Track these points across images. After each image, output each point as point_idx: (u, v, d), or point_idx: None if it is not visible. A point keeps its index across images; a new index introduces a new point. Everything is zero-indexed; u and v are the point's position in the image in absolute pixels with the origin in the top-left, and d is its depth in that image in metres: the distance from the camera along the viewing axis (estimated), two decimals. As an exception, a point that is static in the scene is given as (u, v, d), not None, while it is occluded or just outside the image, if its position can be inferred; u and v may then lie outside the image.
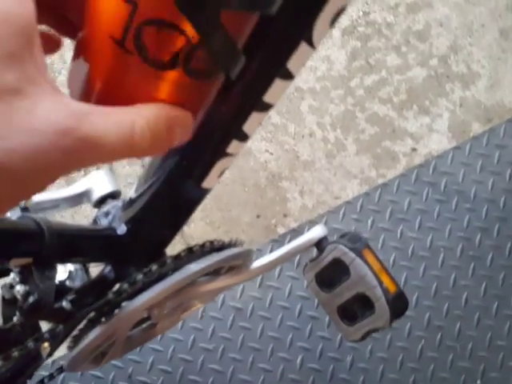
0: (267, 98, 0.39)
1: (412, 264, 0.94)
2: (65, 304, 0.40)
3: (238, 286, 0.87)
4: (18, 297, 0.38)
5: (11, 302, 0.46)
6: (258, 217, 0.98)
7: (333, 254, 0.66)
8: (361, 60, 1.11)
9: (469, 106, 1.09)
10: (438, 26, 1.14)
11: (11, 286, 0.43)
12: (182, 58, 0.27)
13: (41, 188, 0.22)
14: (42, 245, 0.44)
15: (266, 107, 0.40)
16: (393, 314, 0.59)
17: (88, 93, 0.30)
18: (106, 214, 0.59)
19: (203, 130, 0.39)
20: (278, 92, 0.39)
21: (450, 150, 1.04)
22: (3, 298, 0.46)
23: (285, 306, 0.86)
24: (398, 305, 0.61)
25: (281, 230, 0.96)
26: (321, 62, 1.10)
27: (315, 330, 0.85)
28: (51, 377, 0.57)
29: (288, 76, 0.38)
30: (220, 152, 0.45)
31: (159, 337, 0.84)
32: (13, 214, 0.50)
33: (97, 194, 0.63)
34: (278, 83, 0.38)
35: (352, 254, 0.61)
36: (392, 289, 0.60)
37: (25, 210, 0.53)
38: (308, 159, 1.02)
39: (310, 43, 0.35)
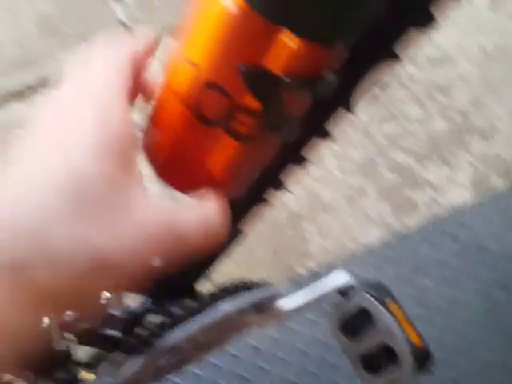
0: (304, 152, 0.42)
1: (428, 315, 0.94)
2: (113, 332, 0.40)
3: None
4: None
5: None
6: (275, 254, 0.98)
7: (357, 301, 0.67)
8: (381, 108, 1.14)
9: (489, 160, 1.11)
10: (459, 80, 1.17)
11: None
12: (229, 118, 0.29)
13: (137, 282, 0.24)
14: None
15: (302, 162, 0.42)
16: (417, 368, 0.60)
17: (156, 150, 0.33)
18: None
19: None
20: (315, 149, 0.41)
21: (470, 202, 1.05)
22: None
23: (305, 350, 0.86)
24: (423, 358, 0.62)
25: (299, 270, 0.97)
26: (345, 108, 1.13)
27: (335, 377, 0.84)
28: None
29: (327, 136, 0.40)
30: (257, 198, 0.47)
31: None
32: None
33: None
34: (317, 142, 0.41)
35: (377, 303, 0.62)
36: (417, 342, 0.60)
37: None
38: (329, 202, 1.04)
39: (348, 109, 0.37)
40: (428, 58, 1.18)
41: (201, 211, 0.29)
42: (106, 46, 0.30)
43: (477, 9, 1.22)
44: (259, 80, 0.28)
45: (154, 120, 0.33)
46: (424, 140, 1.12)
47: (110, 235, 0.22)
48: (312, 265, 0.97)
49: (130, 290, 0.25)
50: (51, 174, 0.21)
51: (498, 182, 1.08)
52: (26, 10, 1.12)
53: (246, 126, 0.30)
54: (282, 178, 0.44)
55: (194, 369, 0.84)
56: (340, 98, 0.36)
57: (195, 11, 0.29)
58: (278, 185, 0.45)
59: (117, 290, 0.24)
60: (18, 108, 1.06)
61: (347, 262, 0.97)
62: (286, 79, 0.27)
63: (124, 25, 1.12)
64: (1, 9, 1.11)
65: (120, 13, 1.13)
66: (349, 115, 0.39)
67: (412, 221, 1.03)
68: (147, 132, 0.33)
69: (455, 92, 1.16)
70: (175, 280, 0.56)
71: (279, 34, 0.26)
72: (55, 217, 0.20)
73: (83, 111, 0.24)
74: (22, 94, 1.07)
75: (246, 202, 0.47)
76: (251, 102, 0.28)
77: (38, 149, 0.22)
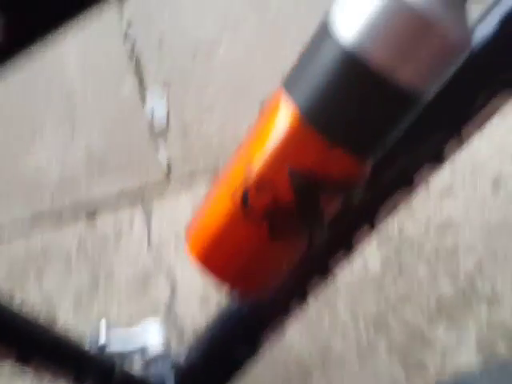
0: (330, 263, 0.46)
1: None
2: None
3: None
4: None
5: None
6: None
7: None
8: (393, 266, 1.20)
9: (495, 325, 1.12)
10: (465, 246, 1.24)
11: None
12: (269, 215, 0.34)
13: None
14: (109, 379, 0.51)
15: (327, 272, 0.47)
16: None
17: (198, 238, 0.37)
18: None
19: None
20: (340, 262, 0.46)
21: (478, 367, 1.05)
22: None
23: None
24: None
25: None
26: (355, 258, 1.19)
27: None
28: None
29: (351, 248, 0.46)
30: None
31: None
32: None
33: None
34: (342, 255, 0.45)
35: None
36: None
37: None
38: (340, 354, 1.04)
39: (372, 226, 0.43)
40: (434, 223, 1.27)
41: None
42: None
43: (480, 189, 1.35)
44: (304, 182, 0.32)
45: (205, 211, 0.38)
46: (432, 301, 1.15)
47: None
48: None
49: None
50: None
51: (503, 347, 1.08)
52: (78, 142, 1.26)
53: (284, 225, 0.34)
54: (307, 287, 0.48)
55: None
56: (366, 213, 0.42)
57: (258, 126, 0.34)
58: (303, 294, 0.48)
59: None
60: (47, 233, 1.13)
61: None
62: (328, 183, 0.32)
63: (165, 163, 1.25)
64: (54, 139, 1.25)
65: (163, 153, 1.26)
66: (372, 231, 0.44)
67: (421, 381, 1.02)
68: (194, 223, 0.39)
69: (461, 256, 1.23)
70: None
71: (328, 146, 0.31)
72: None
73: None
74: (58, 218, 1.15)
75: (270, 310, 0.50)
76: (293, 200, 0.33)
77: None
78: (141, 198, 1.19)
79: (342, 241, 0.44)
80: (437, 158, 0.40)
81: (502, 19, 0.34)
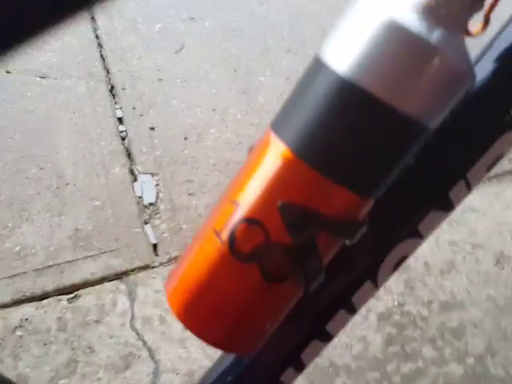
0: (329, 327, 0.41)
1: None
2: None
3: None
4: None
5: None
6: None
7: None
8: (397, 346, 1.11)
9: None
10: (472, 326, 1.17)
11: None
12: (260, 254, 0.30)
13: None
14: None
15: (327, 338, 0.42)
16: None
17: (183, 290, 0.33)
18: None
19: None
20: (341, 324, 0.41)
21: None
22: None
23: None
24: None
25: None
26: (356, 341, 1.11)
27: None
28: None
29: (353, 311, 0.41)
30: (274, 378, 0.43)
31: None
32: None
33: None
34: (342, 314, 0.41)
35: None
36: None
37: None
38: None
39: (375, 282, 0.39)
40: (439, 302, 1.21)
41: None
42: None
43: (483, 264, 1.30)
44: (297, 216, 0.29)
45: (187, 258, 0.34)
46: (440, 383, 1.05)
47: None
48: None
49: None
50: None
51: None
52: (66, 223, 1.23)
53: (278, 265, 0.30)
54: (303, 357, 0.42)
55: None
56: (366, 271, 0.39)
57: (244, 167, 0.32)
58: (299, 365, 0.42)
59: None
60: (29, 311, 1.07)
61: None
62: (324, 219, 0.29)
63: (152, 244, 1.21)
64: (41, 220, 1.23)
65: (150, 233, 1.24)
66: (375, 291, 0.40)
67: None
68: (175, 272, 0.34)
69: (469, 337, 1.14)
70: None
71: (321, 181, 0.29)
72: None
73: None
74: (37, 298, 1.09)
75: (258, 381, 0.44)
76: (286, 238, 0.30)
77: None
78: (126, 277, 1.14)
79: (342, 299, 0.40)
80: (443, 204, 0.36)
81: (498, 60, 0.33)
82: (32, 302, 1.08)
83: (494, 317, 1.18)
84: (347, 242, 0.35)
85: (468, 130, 0.35)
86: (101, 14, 1.94)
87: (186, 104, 1.60)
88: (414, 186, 0.37)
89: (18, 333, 1.03)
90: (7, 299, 1.08)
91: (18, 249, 1.17)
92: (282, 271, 0.31)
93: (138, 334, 1.05)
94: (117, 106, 1.59)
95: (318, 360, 1.06)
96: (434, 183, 0.37)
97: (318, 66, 0.30)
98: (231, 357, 0.45)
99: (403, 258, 0.39)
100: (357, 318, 1.14)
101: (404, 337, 1.12)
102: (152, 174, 1.38)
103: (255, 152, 0.32)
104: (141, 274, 1.15)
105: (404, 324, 1.15)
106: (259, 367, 0.44)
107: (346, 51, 0.28)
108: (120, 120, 1.54)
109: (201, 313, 0.33)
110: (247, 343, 0.35)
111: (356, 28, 0.28)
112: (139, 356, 1.01)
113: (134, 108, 1.59)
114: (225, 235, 0.31)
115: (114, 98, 1.62)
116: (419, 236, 0.38)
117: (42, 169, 1.36)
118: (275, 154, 0.30)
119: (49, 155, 1.39)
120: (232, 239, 0.30)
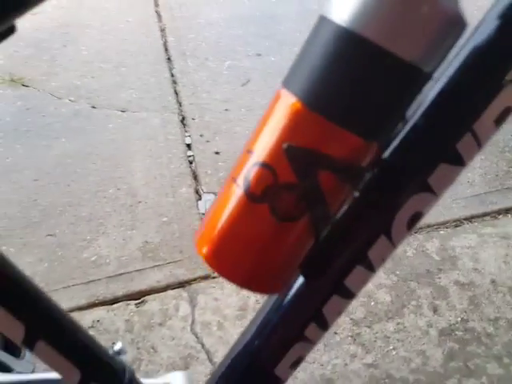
0: (348, 283, 0.42)
1: None
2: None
3: None
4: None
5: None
6: None
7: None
8: (459, 362, 1.07)
9: None
10: (543, 344, 1.09)
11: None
12: (271, 194, 0.33)
13: None
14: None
15: (347, 294, 0.43)
16: None
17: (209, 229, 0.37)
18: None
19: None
20: (360, 280, 0.42)
21: None
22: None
23: None
24: None
25: None
26: (415, 355, 1.08)
27: None
28: None
29: (371, 268, 0.41)
30: (298, 333, 0.45)
31: None
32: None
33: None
34: (359, 270, 0.41)
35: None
36: None
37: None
38: None
39: (390, 239, 0.40)
40: (507, 320, 1.15)
41: None
42: None
43: None
44: (301, 156, 0.32)
45: (212, 209, 0.37)
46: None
47: None
48: None
49: None
50: None
51: None
52: (137, 236, 1.33)
53: (287, 204, 0.33)
54: (325, 312, 0.43)
55: None
56: (380, 225, 0.39)
57: (258, 123, 0.35)
58: (321, 321, 0.44)
59: None
60: (100, 314, 1.16)
61: None
62: (327, 160, 0.32)
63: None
64: (115, 234, 1.34)
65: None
66: (392, 248, 0.40)
67: None
68: (202, 222, 0.38)
69: (539, 356, 1.07)
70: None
71: (325, 124, 0.32)
72: None
73: None
74: (108, 302, 1.18)
75: (285, 339, 0.46)
76: (292, 177, 0.33)
77: None
78: (188, 286, 1.20)
79: (358, 253, 0.41)
80: (451, 157, 0.37)
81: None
82: (104, 305, 1.17)
83: None
84: (354, 193, 0.38)
85: (471, 82, 0.36)
86: (176, 55, 2.12)
87: (249, 130, 1.69)
88: (420, 139, 0.38)
89: (90, 333, 1.12)
90: (82, 302, 1.18)
91: (94, 258, 1.28)
92: (291, 210, 0.34)
93: (197, 337, 1.10)
94: (186, 134, 1.71)
95: (374, 371, 1.04)
96: (440, 135, 0.37)
97: (320, 21, 0.33)
98: (257, 321, 0.47)
99: (417, 215, 0.39)
100: (416, 332, 1.12)
101: (467, 353, 1.08)
102: (215, 194, 1.45)
103: (268, 107, 0.36)
104: (202, 283, 1.21)
105: (468, 340, 1.10)
106: (282, 325, 0.46)
107: (344, 4, 0.32)
108: (188, 146, 1.66)
109: (226, 255, 0.36)
110: (271, 282, 0.37)
111: None
112: (198, 358, 1.06)
113: (201, 135, 1.71)
114: (241, 180, 0.34)
115: (184, 127, 1.74)
116: (431, 191, 0.38)
117: (118, 189, 1.48)
118: (284, 105, 0.34)
119: (125, 177, 1.52)
120: (246, 182, 0.34)
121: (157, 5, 2.51)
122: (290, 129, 0.33)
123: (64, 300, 1.15)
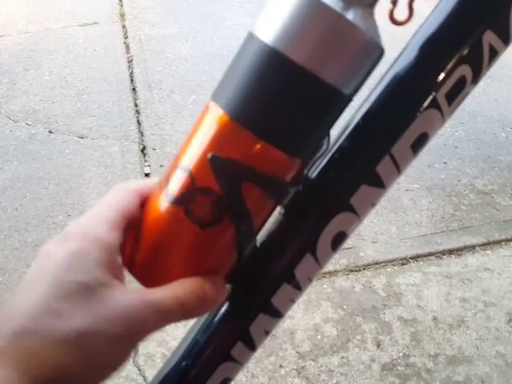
0: (275, 301, 0.42)
1: None
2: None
3: None
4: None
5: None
6: None
7: None
8: (399, 397, 1.08)
9: None
10: (479, 380, 1.12)
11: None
12: (187, 197, 0.34)
13: (131, 348, 0.30)
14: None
15: (274, 313, 0.43)
16: None
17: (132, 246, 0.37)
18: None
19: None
20: (287, 299, 0.42)
21: None
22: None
23: None
24: None
25: None
26: (357, 390, 1.09)
27: None
28: None
29: (297, 286, 0.42)
30: (224, 353, 0.44)
31: None
32: None
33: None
34: (286, 288, 0.42)
35: None
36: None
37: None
38: None
39: (315, 257, 0.41)
40: (446, 356, 1.18)
41: (173, 286, 0.34)
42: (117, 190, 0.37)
43: (495, 321, 1.27)
44: (225, 167, 0.34)
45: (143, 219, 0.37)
46: None
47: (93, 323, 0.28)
48: None
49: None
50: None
51: None
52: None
53: (202, 208, 0.34)
54: (251, 331, 0.43)
55: None
56: (305, 243, 0.40)
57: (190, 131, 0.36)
58: (248, 339, 0.44)
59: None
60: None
61: None
62: (250, 173, 0.34)
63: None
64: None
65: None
66: (318, 268, 0.41)
67: None
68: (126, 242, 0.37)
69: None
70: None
71: (250, 137, 0.33)
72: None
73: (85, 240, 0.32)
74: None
75: (211, 359, 0.45)
76: (212, 184, 0.34)
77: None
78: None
79: (284, 270, 0.41)
80: (371, 180, 0.39)
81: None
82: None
83: (502, 373, 1.14)
84: (280, 209, 0.39)
85: (389, 108, 0.39)
86: (141, 86, 2.14)
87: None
88: (342, 159, 0.40)
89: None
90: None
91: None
92: (207, 214, 0.35)
93: (139, 369, 1.07)
94: (146, 164, 1.72)
95: (316, 405, 1.04)
96: (361, 157, 0.39)
97: (248, 38, 0.35)
98: (186, 342, 0.47)
99: (341, 235, 0.40)
100: (360, 366, 1.13)
101: (407, 388, 1.10)
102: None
103: (198, 118, 0.36)
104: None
105: (408, 375, 1.12)
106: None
107: (270, 22, 0.34)
108: (147, 175, 1.66)
109: (150, 264, 0.36)
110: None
111: (281, 3, 0.34)
112: (138, 389, 1.03)
113: (161, 165, 1.71)
114: (163, 184, 0.36)
115: (144, 156, 1.75)
116: (353, 211, 0.40)
117: (69, 215, 1.46)
118: (212, 117, 0.35)
119: (77, 204, 1.51)
120: (167, 186, 0.35)
121: (126, 37, 2.55)
122: (215, 139, 0.34)
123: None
